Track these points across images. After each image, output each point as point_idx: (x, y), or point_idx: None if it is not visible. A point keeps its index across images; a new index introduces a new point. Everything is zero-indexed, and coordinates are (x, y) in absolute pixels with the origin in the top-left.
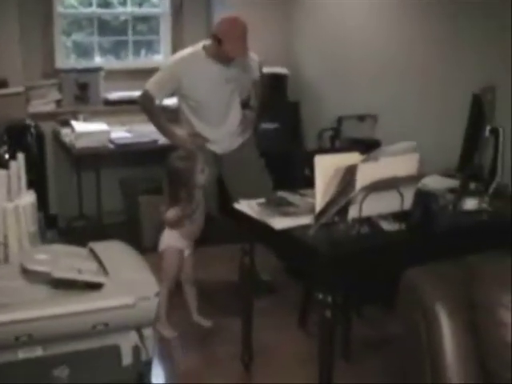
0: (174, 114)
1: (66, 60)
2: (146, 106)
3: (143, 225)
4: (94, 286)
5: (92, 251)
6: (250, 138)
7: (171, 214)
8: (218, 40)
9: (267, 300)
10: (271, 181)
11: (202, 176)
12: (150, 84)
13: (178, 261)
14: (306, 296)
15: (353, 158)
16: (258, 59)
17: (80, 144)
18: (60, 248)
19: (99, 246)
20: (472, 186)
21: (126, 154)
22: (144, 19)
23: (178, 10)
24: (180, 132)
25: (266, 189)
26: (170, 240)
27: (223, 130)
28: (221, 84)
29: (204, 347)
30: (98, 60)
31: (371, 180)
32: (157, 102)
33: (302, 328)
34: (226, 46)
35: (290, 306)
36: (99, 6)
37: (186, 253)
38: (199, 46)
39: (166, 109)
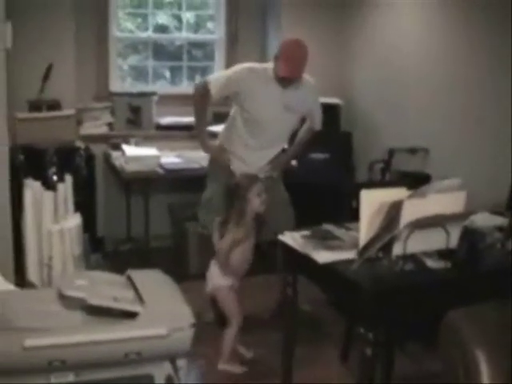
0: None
1: (120, 83)
2: (199, 94)
3: (190, 251)
4: (129, 315)
5: (130, 279)
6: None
7: (224, 242)
8: (276, 58)
9: (309, 332)
10: (294, 217)
11: (257, 200)
12: (212, 77)
13: (233, 297)
14: (349, 330)
15: (399, 193)
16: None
17: (130, 168)
18: (98, 275)
19: (137, 275)
20: None
21: (176, 180)
22: (200, 45)
23: (233, 36)
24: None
25: (288, 223)
26: (219, 279)
27: (263, 154)
28: (278, 108)
29: (244, 379)
30: (152, 84)
31: (416, 217)
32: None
33: (343, 363)
34: (279, 63)
35: (332, 339)
36: (155, 30)
37: (236, 286)
38: (271, 64)
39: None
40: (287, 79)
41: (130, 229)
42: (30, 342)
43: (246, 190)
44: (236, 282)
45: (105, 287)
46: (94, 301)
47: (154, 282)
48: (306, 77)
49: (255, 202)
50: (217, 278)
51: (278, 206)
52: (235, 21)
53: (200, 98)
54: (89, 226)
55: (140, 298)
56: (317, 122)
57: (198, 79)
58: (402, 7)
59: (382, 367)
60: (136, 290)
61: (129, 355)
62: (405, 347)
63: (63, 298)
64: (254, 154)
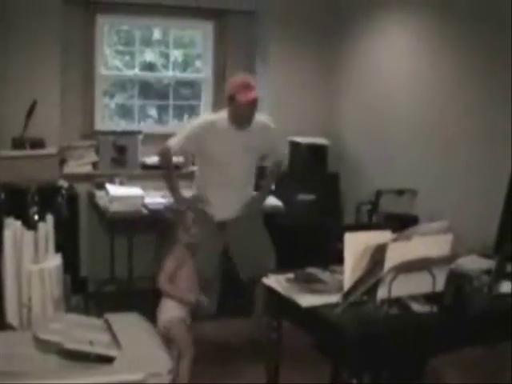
0: None
1: (107, 121)
2: (164, 160)
3: None
4: (106, 359)
5: (107, 322)
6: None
7: (161, 277)
8: (231, 97)
9: (297, 375)
10: (274, 252)
11: (185, 234)
12: (171, 139)
13: (185, 328)
14: (335, 375)
15: (384, 236)
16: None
17: (114, 208)
18: (75, 318)
19: (115, 318)
20: (509, 267)
21: (160, 220)
22: (187, 84)
23: (220, 75)
24: (185, 194)
25: (268, 259)
26: (172, 311)
27: (235, 197)
28: (239, 151)
29: None
30: (139, 123)
31: (401, 260)
32: (172, 152)
33: None
34: (239, 96)
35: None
36: (143, 68)
37: (188, 321)
38: (224, 112)
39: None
40: (250, 106)
41: (114, 269)
42: None
43: (175, 225)
44: (187, 316)
45: (81, 331)
46: (70, 345)
47: (131, 326)
48: (264, 119)
49: (182, 236)
50: (170, 311)
51: (256, 244)
52: (223, 59)
53: (166, 164)
54: (71, 266)
55: (117, 342)
56: (280, 156)
57: (185, 118)
58: (388, 46)
59: None
60: (113, 333)
61: None
62: None
63: (39, 342)
64: (228, 197)
